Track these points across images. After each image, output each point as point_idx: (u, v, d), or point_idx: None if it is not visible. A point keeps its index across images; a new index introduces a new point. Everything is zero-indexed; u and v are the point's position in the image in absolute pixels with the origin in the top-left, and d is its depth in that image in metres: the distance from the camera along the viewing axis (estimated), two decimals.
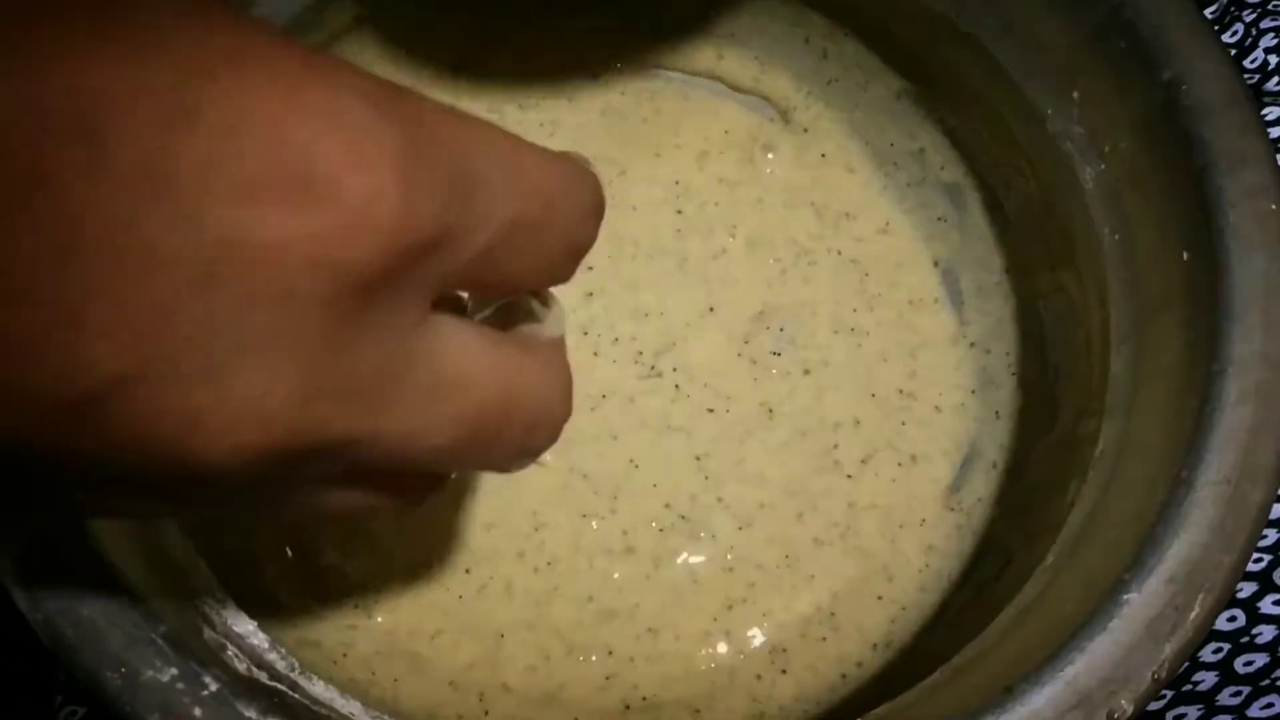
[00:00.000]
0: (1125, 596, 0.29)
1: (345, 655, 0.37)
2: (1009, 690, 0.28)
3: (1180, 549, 0.29)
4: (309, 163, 0.17)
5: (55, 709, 0.38)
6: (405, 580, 0.39)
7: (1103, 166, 0.37)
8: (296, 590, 0.38)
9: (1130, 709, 0.27)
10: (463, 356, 0.21)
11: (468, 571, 0.39)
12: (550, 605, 0.39)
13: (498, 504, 0.40)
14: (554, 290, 0.25)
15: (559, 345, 0.25)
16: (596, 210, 0.24)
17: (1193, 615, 0.29)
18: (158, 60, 0.17)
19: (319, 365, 0.18)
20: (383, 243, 0.18)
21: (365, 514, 0.24)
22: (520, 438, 0.23)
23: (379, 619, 0.38)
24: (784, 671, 0.38)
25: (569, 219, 0.23)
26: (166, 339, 0.17)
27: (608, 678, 0.38)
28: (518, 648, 0.38)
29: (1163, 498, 0.30)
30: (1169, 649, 0.28)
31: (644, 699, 0.38)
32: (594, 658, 0.38)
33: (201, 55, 0.17)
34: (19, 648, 0.39)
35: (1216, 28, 0.47)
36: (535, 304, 0.25)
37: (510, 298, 0.26)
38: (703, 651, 0.39)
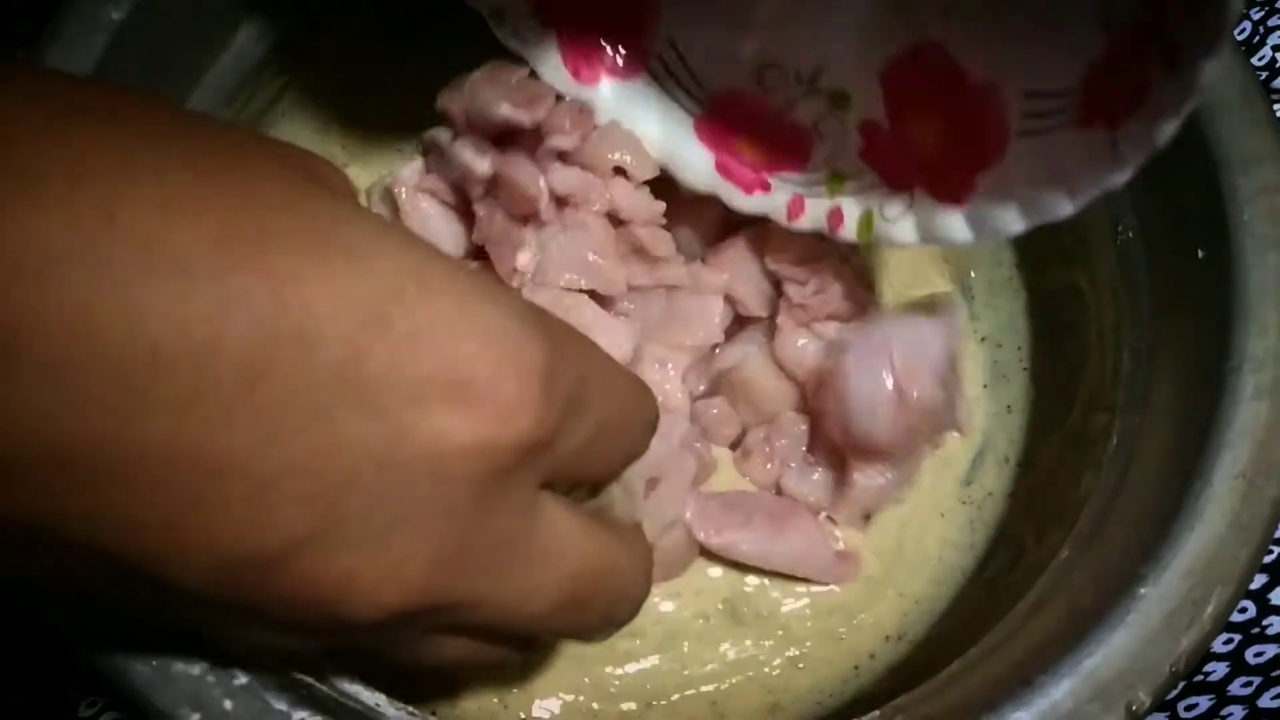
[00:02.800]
0: (1142, 590, 0.29)
1: None
2: (1028, 683, 0.28)
3: (1197, 543, 0.30)
4: (472, 370, 0.21)
5: (73, 703, 0.39)
6: None
7: None
8: None
9: (1148, 701, 0.28)
10: (565, 530, 0.25)
11: None
12: None
13: None
14: None
15: (640, 531, 0.30)
16: (654, 424, 0.29)
17: (1210, 609, 0.29)
18: (360, 275, 0.21)
19: (457, 535, 0.22)
20: (523, 438, 0.22)
21: (463, 663, 0.27)
22: (606, 609, 0.27)
23: None
24: (799, 664, 0.39)
25: (637, 427, 0.28)
26: (341, 509, 0.21)
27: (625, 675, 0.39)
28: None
29: (1178, 492, 0.31)
30: (1186, 642, 0.29)
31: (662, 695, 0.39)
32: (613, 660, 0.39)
33: (395, 275, 0.21)
34: (37, 642, 0.40)
35: None
36: (608, 495, 0.29)
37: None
38: (719, 648, 0.39)
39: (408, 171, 0.41)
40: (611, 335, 0.37)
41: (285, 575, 0.21)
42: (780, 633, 0.39)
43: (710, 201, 0.39)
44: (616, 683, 0.39)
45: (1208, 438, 0.31)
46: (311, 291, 0.20)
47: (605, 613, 0.27)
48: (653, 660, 0.39)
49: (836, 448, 0.40)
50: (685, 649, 0.39)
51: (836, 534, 0.41)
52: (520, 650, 0.28)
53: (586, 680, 0.39)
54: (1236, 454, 0.31)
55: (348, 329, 0.20)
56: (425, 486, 0.21)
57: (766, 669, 0.39)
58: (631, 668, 0.39)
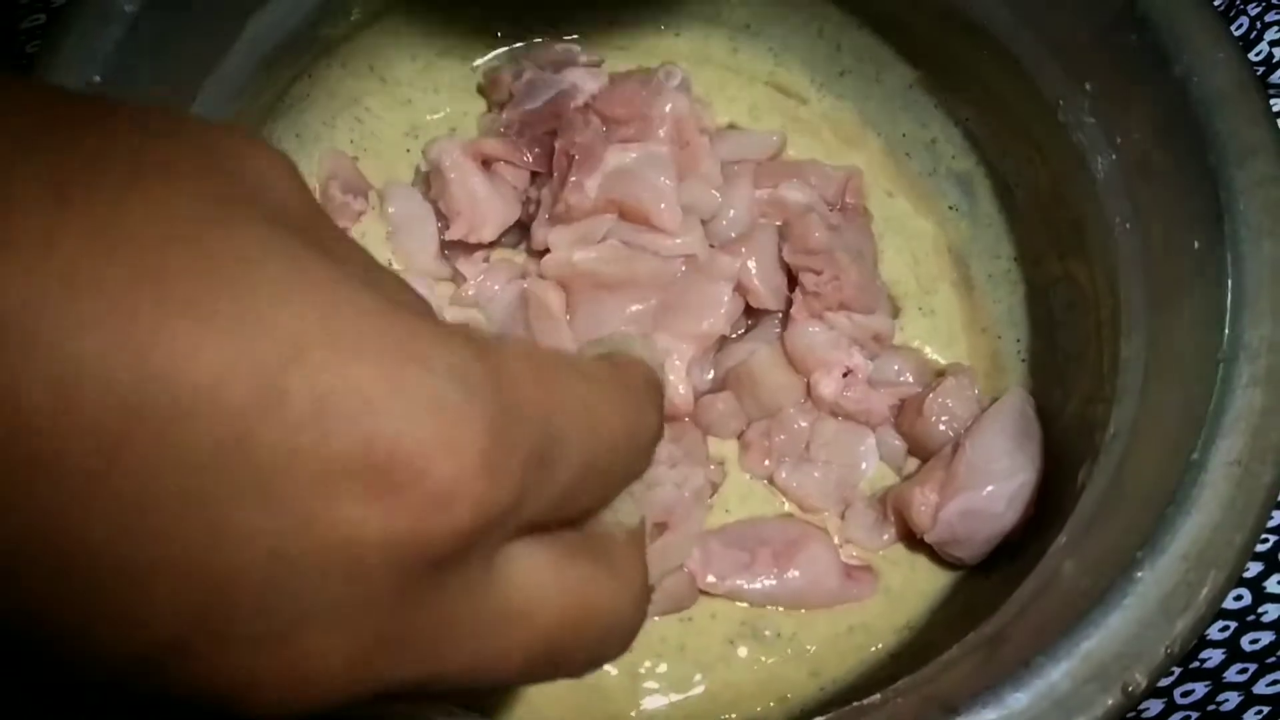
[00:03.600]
0: (1139, 574, 0.30)
1: None
2: (1026, 664, 0.29)
3: (1192, 528, 0.30)
4: (394, 449, 0.17)
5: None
6: None
7: (1114, 157, 0.38)
8: None
9: (1144, 682, 0.28)
10: (531, 584, 0.21)
11: None
12: None
13: None
14: None
15: (637, 538, 0.25)
16: (653, 444, 0.24)
17: (1204, 592, 0.29)
18: (253, 338, 0.17)
19: (382, 628, 0.18)
20: (461, 525, 0.18)
21: None
22: (590, 654, 0.23)
23: None
24: (806, 648, 0.39)
25: (630, 460, 0.23)
26: (228, 606, 0.17)
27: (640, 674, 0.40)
28: None
29: (1175, 479, 0.31)
30: (1181, 625, 0.29)
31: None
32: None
33: (297, 335, 0.17)
34: None
35: None
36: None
37: None
38: (730, 642, 0.40)
39: (448, 143, 0.41)
40: None
41: (179, 676, 0.18)
42: (783, 617, 0.40)
43: None
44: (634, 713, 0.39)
45: (1203, 425, 0.32)
46: (186, 354, 0.16)
47: (590, 657, 0.23)
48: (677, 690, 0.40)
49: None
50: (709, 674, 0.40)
51: (852, 550, 0.42)
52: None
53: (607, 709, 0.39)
54: (1232, 441, 0.31)
55: (231, 402, 0.16)
56: (336, 582, 0.18)
57: (771, 657, 0.39)
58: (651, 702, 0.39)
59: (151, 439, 0.16)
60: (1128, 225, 0.38)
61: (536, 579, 0.21)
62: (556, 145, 0.43)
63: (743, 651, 0.40)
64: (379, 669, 0.19)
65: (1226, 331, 0.33)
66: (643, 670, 0.39)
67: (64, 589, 0.17)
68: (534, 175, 0.45)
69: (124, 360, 0.16)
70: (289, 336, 0.17)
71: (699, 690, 0.39)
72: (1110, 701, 0.28)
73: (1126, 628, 0.29)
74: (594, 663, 0.24)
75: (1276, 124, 0.35)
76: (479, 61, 0.48)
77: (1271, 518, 0.39)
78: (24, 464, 0.16)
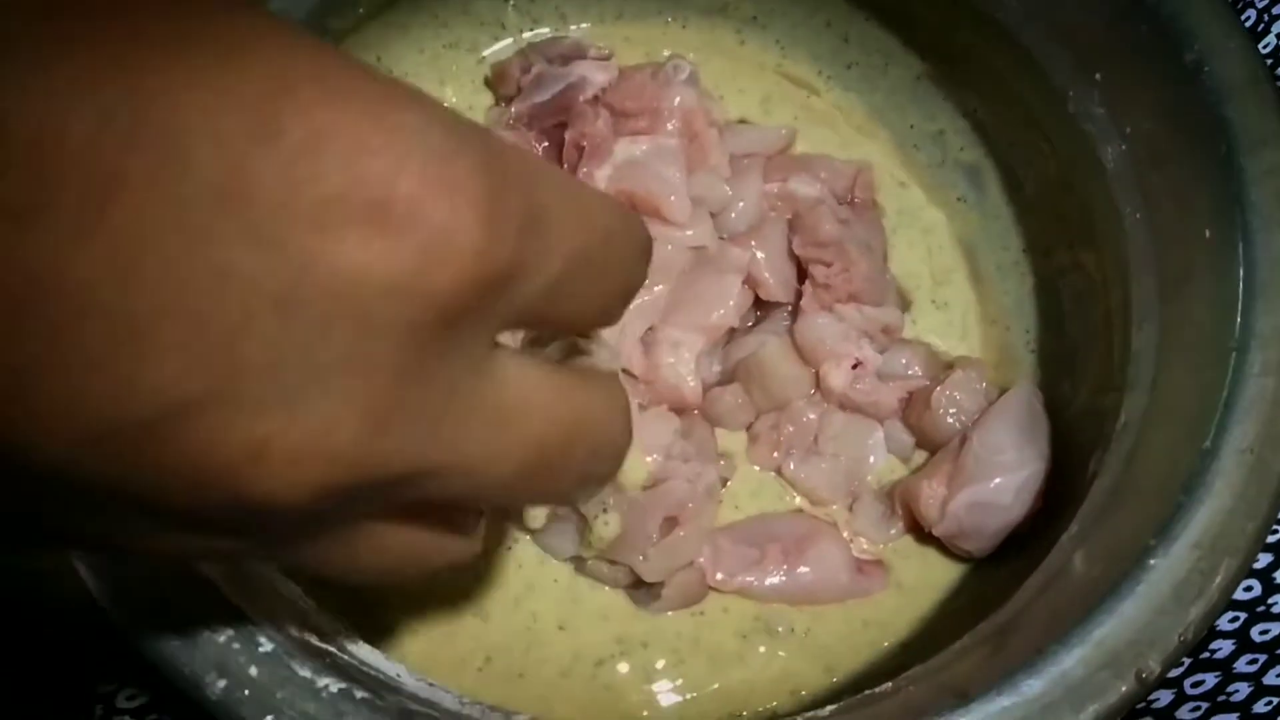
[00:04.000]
0: (1152, 561, 0.30)
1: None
2: (1040, 652, 0.29)
3: (1205, 516, 0.30)
4: (391, 186, 0.17)
5: (96, 676, 0.39)
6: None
7: (1124, 147, 0.38)
8: None
9: (1158, 669, 0.28)
10: (526, 385, 0.21)
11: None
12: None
13: None
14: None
15: (616, 378, 0.25)
16: (647, 250, 0.24)
17: (1218, 580, 0.29)
18: (241, 75, 0.16)
19: (391, 396, 0.18)
20: (463, 273, 0.17)
21: (403, 569, 0.23)
22: (584, 464, 0.22)
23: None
24: (819, 643, 0.39)
25: (625, 255, 0.22)
26: (237, 362, 0.16)
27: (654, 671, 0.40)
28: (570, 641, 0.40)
29: (1187, 467, 0.31)
30: (1195, 612, 0.29)
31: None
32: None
33: (285, 72, 0.17)
34: (60, 618, 0.40)
35: None
36: (587, 344, 0.26)
37: (564, 338, 0.26)
38: (744, 637, 0.40)
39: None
40: None
41: (174, 446, 0.17)
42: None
43: None
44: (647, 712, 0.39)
45: (1216, 413, 0.32)
46: (177, 93, 0.16)
47: (582, 472, 0.23)
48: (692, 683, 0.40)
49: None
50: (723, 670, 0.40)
51: (863, 544, 0.42)
52: (470, 542, 0.25)
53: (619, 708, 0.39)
54: (1244, 429, 0.31)
55: (225, 138, 0.16)
56: (344, 335, 0.17)
57: (781, 648, 0.39)
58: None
59: (146, 175, 0.16)
60: (1138, 215, 0.38)
61: (531, 383, 0.21)
62: (566, 137, 0.43)
63: (756, 647, 0.40)
64: (387, 448, 0.18)
65: (1239, 320, 0.33)
66: (657, 667, 0.39)
67: (66, 342, 0.16)
68: None
69: (112, 97, 0.15)
70: (279, 72, 0.16)
71: (713, 687, 0.39)
72: (1124, 688, 0.28)
73: (1140, 615, 0.29)
74: (587, 479, 0.23)
75: None
76: (486, 53, 0.48)
77: None
78: (13, 208, 0.15)
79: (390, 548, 0.22)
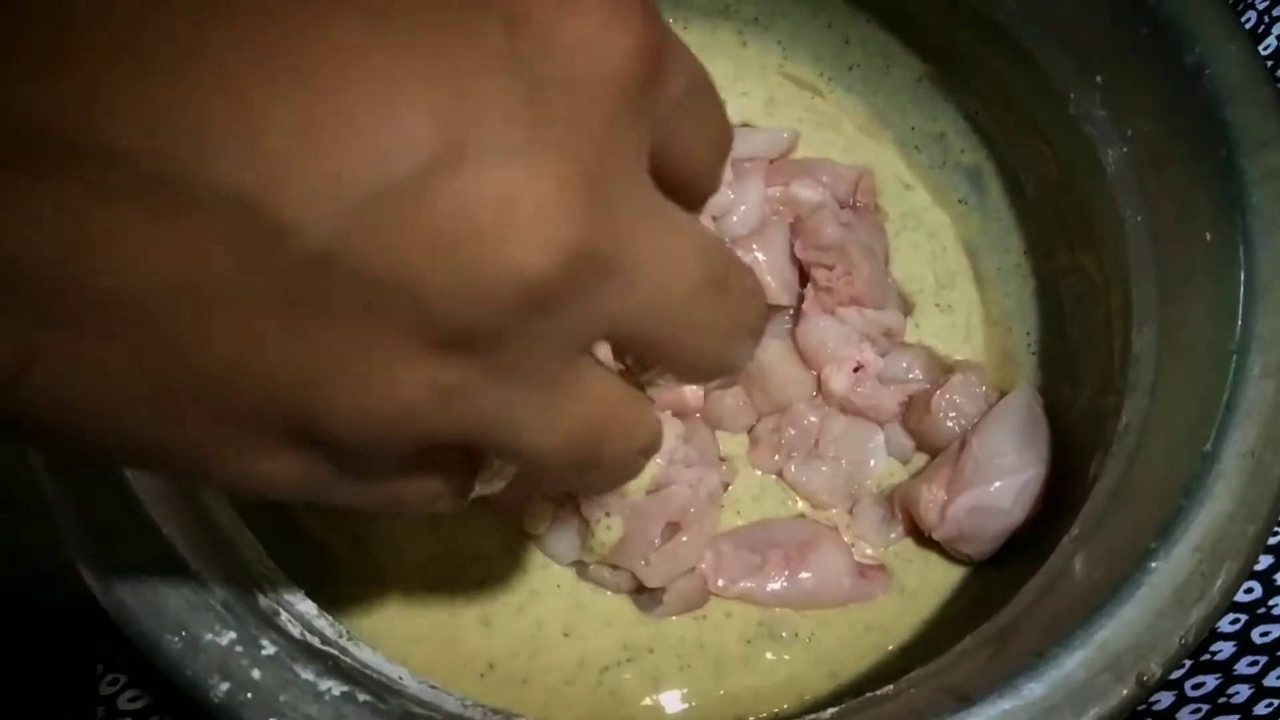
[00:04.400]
0: (1153, 565, 0.30)
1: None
2: (1041, 655, 0.29)
3: (1205, 519, 0.30)
4: None
5: (97, 678, 0.39)
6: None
7: (1125, 149, 0.38)
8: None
9: (1159, 672, 0.28)
10: (594, 375, 0.22)
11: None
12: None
13: None
14: None
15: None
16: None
17: (1219, 582, 0.29)
18: None
19: (599, 161, 0.19)
20: (646, 48, 0.19)
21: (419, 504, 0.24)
22: (620, 453, 0.23)
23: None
24: (823, 648, 0.39)
25: (716, 96, 0.23)
26: (478, 111, 0.17)
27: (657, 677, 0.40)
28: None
29: (1187, 470, 0.31)
30: (1196, 614, 0.29)
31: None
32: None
33: None
34: (62, 621, 0.40)
35: None
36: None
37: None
38: (748, 642, 0.40)
39: None
40: None
41: (430, 209, 0.17)
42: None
43: None
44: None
45: (1216, 416, 0.32)
46: None
47: (617, 460, 0.23)
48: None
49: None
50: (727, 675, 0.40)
51: (865, 548, 0.42)
52: (463, 501, 0.25)
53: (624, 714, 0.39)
54: (1245, 432, 0.31)
55: None
56: (561, 92, 0.18)
57: (783, 650, 0.40)
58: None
59: None
60: (1139, 217, 0.38)
61: (599, 373, 0.22)
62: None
63: (761, 652, 0.40)
64: (599, 231, 0.19)
65: (1239, 323, 0.33)
66: (662, 673, 0.39)
67: (328, 103, 0.17)
68: None
69: None
70: None
71: (719, 693, 0.39)
72: (1125, 691, 0.28)
73: (1141, 618, 0.29)
74: (617, 467, 0.24)
75: None
76: None
77: None
78: None
79: (415, 493, 0.23)
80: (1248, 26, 0.49)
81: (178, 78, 0.16)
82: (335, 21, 0.17)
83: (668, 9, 0.48)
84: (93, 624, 0.38)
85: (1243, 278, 0.33)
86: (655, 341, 0.22)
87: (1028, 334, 0.45)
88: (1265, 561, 0.39)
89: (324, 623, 0.32)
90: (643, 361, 0.24)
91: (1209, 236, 0.35)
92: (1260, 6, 0.50)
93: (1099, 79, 0.39)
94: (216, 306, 0.18)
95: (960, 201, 0.47)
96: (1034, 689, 0.28)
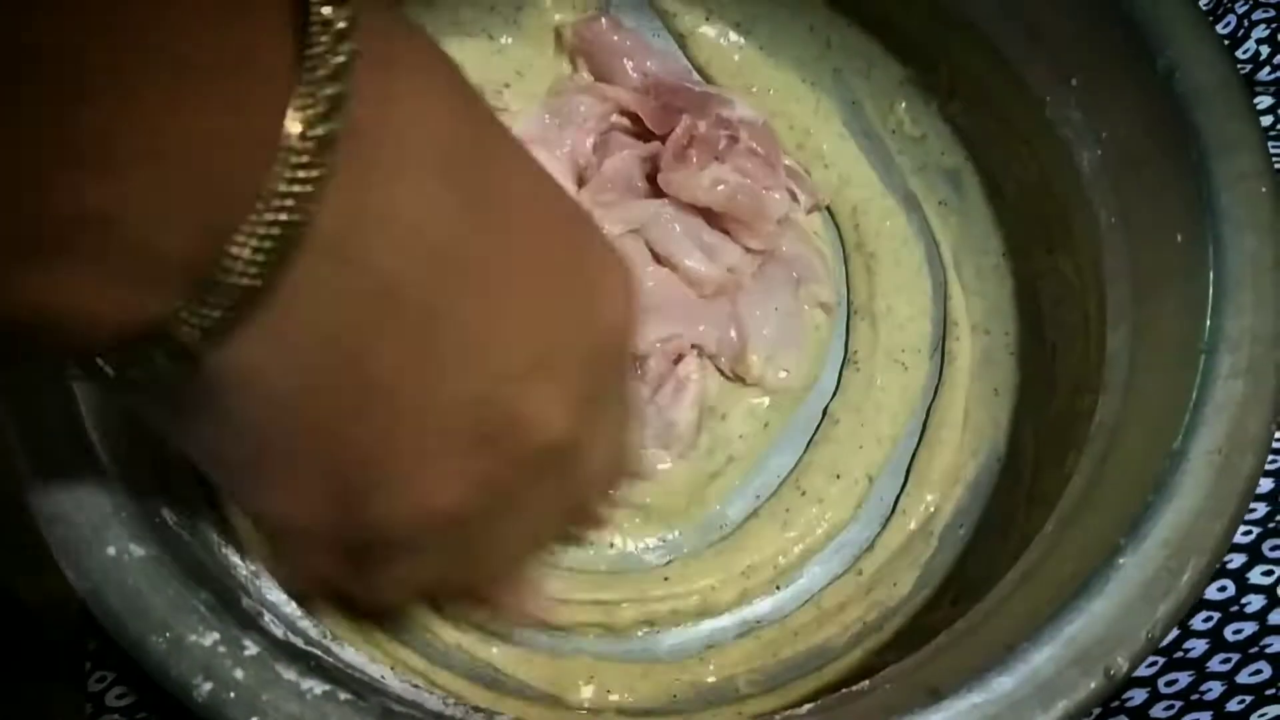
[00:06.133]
0: (1121, 560, 0.30)
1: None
2: (1010, 649, 0.29)
3: (1173, 515, 0.31)
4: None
5: (85, 675, 0.39)
6: None
7: (1099, 151, 0.39)
8: None
9: (1126, 665, 0.29)
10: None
11: None
12: None
13: None
14: None
15: None
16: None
17: (1185, 577, 0.30)
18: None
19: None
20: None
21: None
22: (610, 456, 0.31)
23: None
24: (795, 634, 0.40)
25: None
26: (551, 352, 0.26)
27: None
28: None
29: (1157, 467, 0.32)
30: (1163, 609, 0.30)
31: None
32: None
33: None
34: (50, 620, 0.41)
35: (1210, 19, 0.48)
36: None
37: None
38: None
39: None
40: None
41: (506, 398, 0.25)
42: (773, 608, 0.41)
43: None
44: None
45: (1186, 415, 0.32)
46: None
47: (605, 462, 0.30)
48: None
49: None
50: None
51: None
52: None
53: None
54: (1213, 430, 0.32)
55: None
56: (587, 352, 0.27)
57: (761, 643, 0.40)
58: None
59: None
60: (1113, 219, 0.38)
61: None
62: (683, 120, 0.45)
63: None
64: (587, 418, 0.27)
65: (1208, 323, 0.33)
66: None
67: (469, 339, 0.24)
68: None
69: None
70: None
71: None
72: (1093, 685, 0.29)
73: (1109, 613, 0.30)
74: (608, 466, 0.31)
75: (1258, 119, 0.36)
76: None
77: (1254, 510, 0.40)
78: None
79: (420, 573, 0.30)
80: (1227, 30, 0.50)
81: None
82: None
83: (646, 10, 0.49)
84: (80, 623, 0.39)
85: (1212, 278, 0.34)
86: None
87: (1006, 334, 0.45)
88: (1238, 560, 0.40)
89: (307, 624, 0.32)
90: None
91: (1180, 238, 0.35)
92: (1240, 10, 0.51)
93: (1074, 82, 0.39)
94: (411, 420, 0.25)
95: (940, 203, 0.47)
96: (1003, 683, 0.29)
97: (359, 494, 0.26)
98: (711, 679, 0.40)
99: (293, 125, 0.19)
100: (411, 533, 0.27)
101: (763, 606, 0.42)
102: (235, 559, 0.33)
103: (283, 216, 0.20)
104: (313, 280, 0.21)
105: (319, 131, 0.20)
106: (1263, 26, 0.49)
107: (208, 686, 0.28)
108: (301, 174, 0.20)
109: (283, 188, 0.20)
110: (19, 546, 0.32)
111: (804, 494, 0.43)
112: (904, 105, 0.47)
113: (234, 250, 0.20)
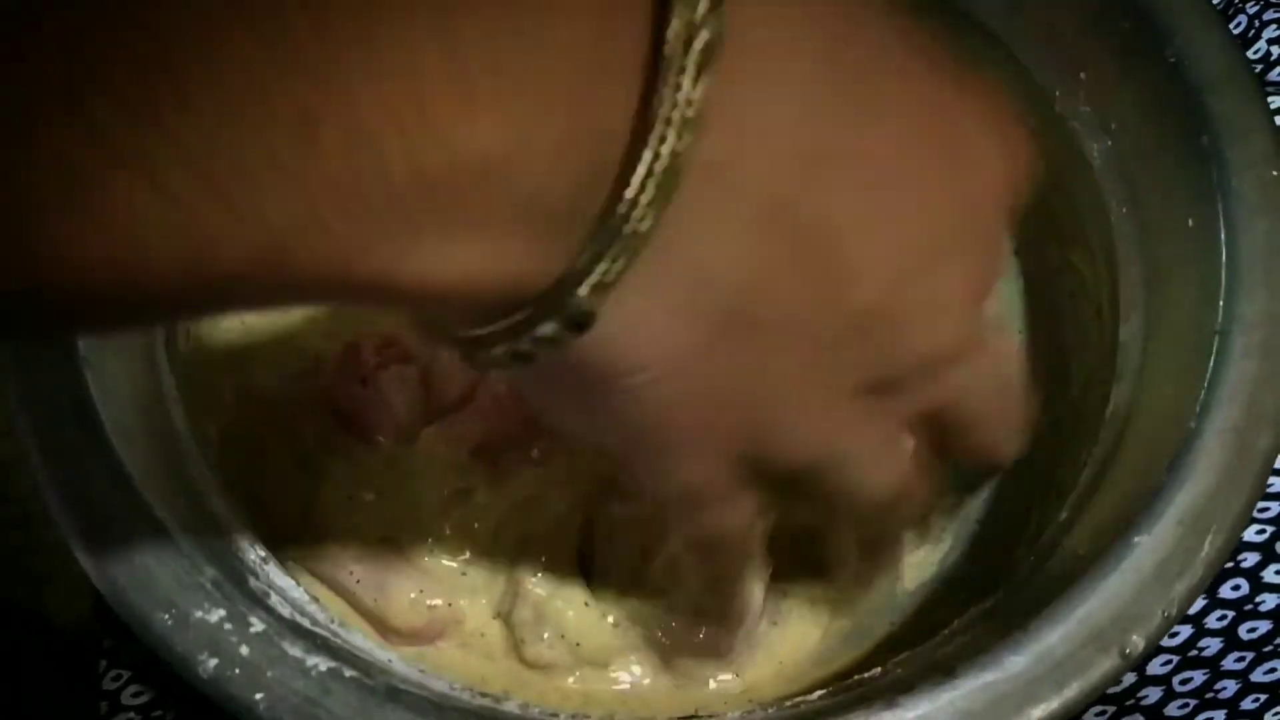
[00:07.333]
0: (1136, 539, 0.30)
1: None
2: (1025, 629, 0.29)
3: (1188, 494, 0.30)
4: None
5: (100, 673, 0.39)
6: None
7: (1109, 142, 0.39)
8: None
9: (1142, 644, 0.28)
10: None
11: None
12: None
13: None
14: None
15: None
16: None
17: (1201, 555, 0.30)
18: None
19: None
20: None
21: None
22: None
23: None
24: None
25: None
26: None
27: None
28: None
29: (1172, 447, 0.31)
30: (1179, 588, 0.29)
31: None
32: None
33: None
34: (64, 617, 0.41)
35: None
36: None
37: None
38: None
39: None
40: None
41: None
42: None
43: None
44: None
45: (1200, 394, 0.32)
46: None
47: None
48: None
49: None
50: None
51: None
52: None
53: None
54: (1228, 409, 0.31)
55: None
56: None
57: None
58: None
59: None
60: (1124, 209, 0.38)
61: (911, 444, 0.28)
62: None
63: None
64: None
65: (1221, 304, 0.33)
66: None
67: None
68: None
69: None
70: None
71: None
72: (1108, 664, 0.28)
73: (1124, 592, 0.29)
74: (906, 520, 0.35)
75: (1268, 104, 0.36)
76: None
77: (1268, 509, 0.39)
78: None
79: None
80: (1238, 31, 0.50)
81: None
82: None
83: None
84: (95, 620, 0.39)
85: (1225, 261, 0.34)
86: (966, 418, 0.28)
87: (1020, 332, 0.45)
88: (1252, 559, 0.39)
89: (315, 608, 0.32)
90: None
91: (1192, 223, 0.35)
92: (1251, 10, 0.51)
93: (1083, 75, 0.39)
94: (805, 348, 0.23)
95: None
96: (1017, 661, 0.28)
97: (765, 438, 0.24)
98: None
99: (672, 34, 0.17)
100: (822, 458, 0.25)
101: None
102: (244, 541, 0.33)
103: (669, 146, 0.18)
104: (698, 214, 0.19)
105: (698, 42, 0.18)
106: (1274, 27, 0.49)
107: (213, 663, 0.28)
108: (683, 94, 0.18)
109: (665, 111, 0.18)
110: (45, 549, 0.32)
111: None
112: None
113: (625, 191, 0.18)
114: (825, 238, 0.21)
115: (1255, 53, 0.50)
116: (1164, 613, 0.29)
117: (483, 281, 0.19)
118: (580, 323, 0.19)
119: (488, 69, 0.16)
